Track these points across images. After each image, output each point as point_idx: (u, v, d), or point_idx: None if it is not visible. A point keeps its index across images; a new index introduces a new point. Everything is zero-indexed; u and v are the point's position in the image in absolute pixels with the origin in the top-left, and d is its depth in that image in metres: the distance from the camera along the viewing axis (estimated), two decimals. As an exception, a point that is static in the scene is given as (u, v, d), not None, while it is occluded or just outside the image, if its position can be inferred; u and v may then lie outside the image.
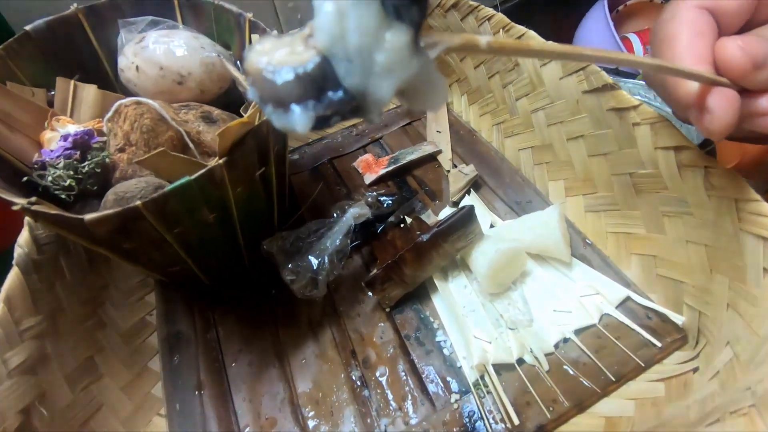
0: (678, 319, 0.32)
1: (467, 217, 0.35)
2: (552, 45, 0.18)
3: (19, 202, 0.24)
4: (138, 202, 0.24)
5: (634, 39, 0.71)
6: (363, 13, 0.12)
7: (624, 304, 0.35)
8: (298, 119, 0.13)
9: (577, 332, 0.34)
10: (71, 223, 0.24)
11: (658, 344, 0.32)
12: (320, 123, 0.13)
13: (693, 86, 0.21)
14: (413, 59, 0.13)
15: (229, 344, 0.38)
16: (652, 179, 0.33)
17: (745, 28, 0.24)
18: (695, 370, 0.29)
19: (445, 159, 0.49)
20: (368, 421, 0.32)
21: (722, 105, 0.21)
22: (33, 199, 0.24)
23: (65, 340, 0.31)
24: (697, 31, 0.22)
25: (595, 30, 0.71)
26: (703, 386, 0.26)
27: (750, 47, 0.21)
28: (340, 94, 0.13)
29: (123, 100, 0.31)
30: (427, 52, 0.14)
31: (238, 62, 0.40)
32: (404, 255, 0.36)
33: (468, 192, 0.46)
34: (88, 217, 0.23)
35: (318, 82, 0.13)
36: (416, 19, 0.13)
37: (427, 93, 0.15)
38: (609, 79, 0.33)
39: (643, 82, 0.58)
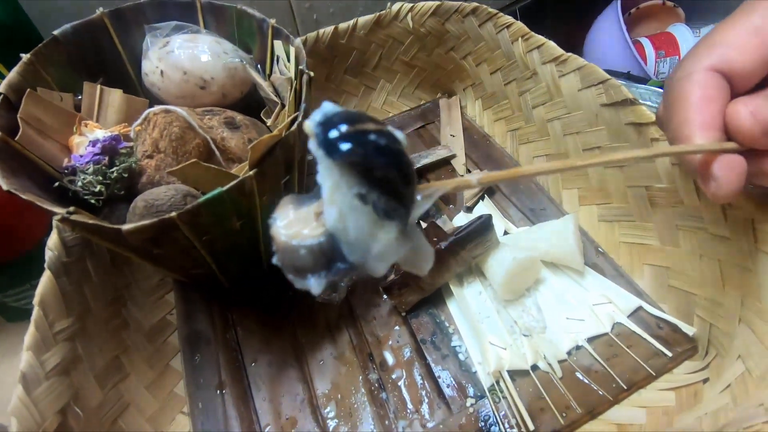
0: (689, 329, 0.33)
1: (485, 226, 0.36)
2: (539, 166, 0.19)
3: (59, 211, 0.24)
4: (173, 214, 0.25)
5: (646, 43, 0.71)
6: (359, 217, 0.15)
7: (636, 314, 0.36)
8: (313, 285, 0.16)
9: (590, 340, 0.35)
10: (108, 232, 0.25)
11: (669, 354, 0.33)
12: (332, 286, 0.16)
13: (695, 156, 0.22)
14: (402, 246, 0.16)
15: (248, 344, 0.39)
16: (669, 193, 0.34)
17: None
18: (705, 380, 0.30)
19: (459, 164, 0.50)
20: (386, 423, 0.33)
21: (727, 174, 0.21)
22: (71, 209, 0.24)
23: (94, 340, 0.32)
24: (707, 95, 0.23)
25: (607, 33, 0.71)
26: (714, 398, 0.27)
27: (761, 113, 0.21)
28: (345, 265, 0.16)
29: (152, 108, 0.32)
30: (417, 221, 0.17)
31: (259, 66, 0.41)
32: (422, 262, 0.36)
33: (482, 198, 0.46)
34: (126, 227, 0.24)
35: (327, 255, 0.16)
36: (403, 217, 0.16)
37: (415, 261, 0.17)
38: (629, 94, 0.34)
39: (654, 89, 0.58)
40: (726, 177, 0.21)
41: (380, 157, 0.14)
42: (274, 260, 0.17)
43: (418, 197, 0.16)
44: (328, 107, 0.16)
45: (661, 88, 0.58)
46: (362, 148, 0.14)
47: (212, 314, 0.41)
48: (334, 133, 0.14)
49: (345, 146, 0.14)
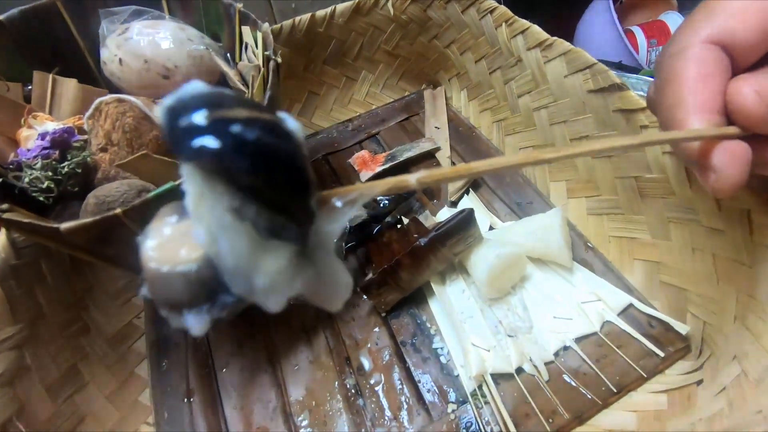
0: (682, 328, 0.31)
1: (466, 220, 0.34)
2: (486, 162, 0.14)
3: (-11, 209, 0.22)
4: (118, 210, 0.22)
5: (638, 32, 0.70)
6: (235, 239, 0.11)
7: (626, 312, 0.34)
8: (192, 324, 0.12)
9: (578, 340, 0.33)
10: (47, 232, 0.23)
11: (661, 354, 0.31)
12: (215, 323, 0.12)
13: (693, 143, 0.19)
14: (301, 273, 0.12)
15: (219, 349, 0.36)
16: (659, 184, 0.32)
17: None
18: (699, 382, 0.28)
19: (444, 157, 0.48)
20: (362, 431, 0.31)
21: (729, 164, 0.18)
22: (4, 206, 0.22)
23: (46, 348, 0.30)
24: (705, 72, 0.20)
25: (598, 22, 0.69)
26: (709, 402, 0.25)
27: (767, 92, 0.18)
28: (232, 298, 0.12)
29: (103, 98, 0.29)
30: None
31: (228, 54, 0.38)
32: (401, 259, 0.34)
33: (467, 192, 0.44)
34: (64, 226, 0.22)
35: (208, 285, 0.12)
36: (297, 237, 0.11)
37: (324, 293, 0.13)
38: (617, 78, 0.32)
39: (646, 78, 0.56)
40: (728, 168, 0.18)
41: (242, 157, 0.10)
42: (143, 291, 0.13)
43: (337, 203, 0.13)
44: (191, 87, 0.12)
45: (653, 77, 0.56)
46: (219, 143, 0.10)
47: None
48: (184, 123, 0.11)
49: (195, 142, 0.10)
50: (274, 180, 0.11)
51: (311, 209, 0.12)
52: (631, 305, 0.34)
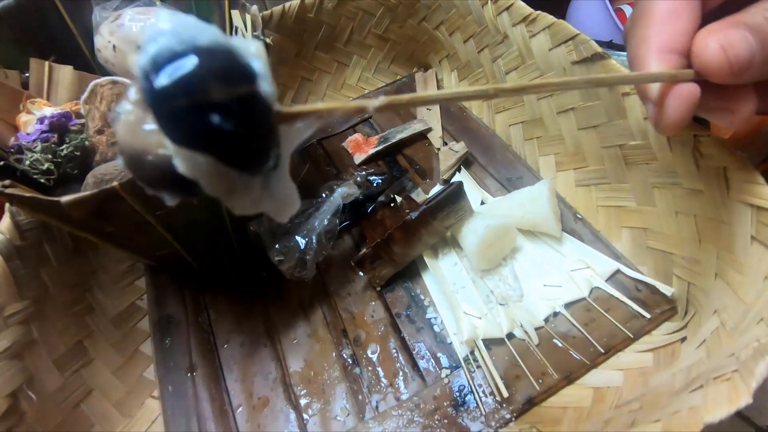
0: (667, 290, 0.32)
1: (456, 193, 0.35)
2: (442, 92, 0.16)
3: (-8, 185, 0.23)
4: (114, 183, 0.23)
5: (629, 10, 0.70)
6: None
7: (614, 277, 0.35)
8: (168, 199, 0.13)
9: (567, 306, 0.34)
10: (48, 206, 0.24)
11: (648, 316, 0.32)
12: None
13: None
14: (267, 197, 0.12)
15: (220, 326, 0.38)
16: (642, 150, 0.33)
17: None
18: (683, 339, 0.29)
19: (435, 137, 0.49)
20: (359, 397, 0.32)
21: (675, 102, 0.19)
22: (7, 182, 0.23)
23: (53, 324, 0.31)
24: (673, 10, 0.20)
25: (588, 3, 0.69)
26: (689, 354, 0.26)
27: (733, 48, 0.18)
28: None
29: (98, 80, 0.30)
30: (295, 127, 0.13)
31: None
32: (393, 233, 0.35)
33: (459, 170, 0.45)
34: (65, 199, 0.23)
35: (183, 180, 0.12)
36: (264, 162, 0.12)
37: (276, 206, 0.13)
38: (598, 48, 0.32)
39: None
40: (673, 105, 0.19)
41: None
42: (118, 161, 0.14)
43: (299, 125, 0.13)
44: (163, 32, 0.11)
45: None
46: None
47: (184, 297, 0.40)
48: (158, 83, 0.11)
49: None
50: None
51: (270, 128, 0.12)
52: (618, 271, 0.35)
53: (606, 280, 0.34)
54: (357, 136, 0.50)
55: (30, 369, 0.27)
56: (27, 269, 0.31)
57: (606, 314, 0.33)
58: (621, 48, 0.60)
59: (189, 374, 0.35)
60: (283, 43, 0.49)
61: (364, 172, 0.44)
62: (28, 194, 0.23)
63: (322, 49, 0.52)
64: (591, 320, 0.33)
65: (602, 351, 0.31)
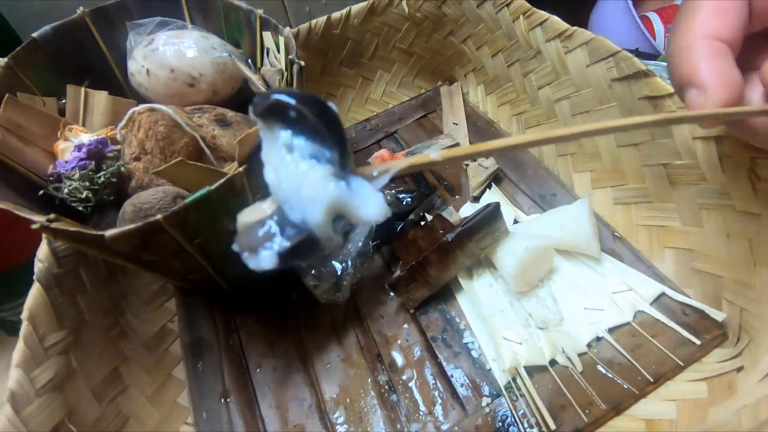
0: (718, 315, 0.31)
1: (493, 215, 0.34)
2: (503, 141, 0.16)
3: (38, 220, 0.23)
4: (159, 216, 0.23)
5: (654, 17, 0.68)
6: (288, 166, 0.16)
7: (659, 301, 0.33)
8: (264, 258, 0.16)
9: (611, 331, 0.33)
10: (91, 239, 0.23)
11: (697, 342, 0.31)
12: (284, 259, 0.16)
13: (695, 62, 0.19)
14: (335, 189, 0.16)
15: (252, 349, 0.37)
16: (690, 170, 0.31)
17: None
18: (739, 369, 0.28)
19: (464, 152, 0.48)
20: (398, 426, 0.31)
21: (717, 81, 0.18)
22: (51, 216, 0.23)
23: (90, 352, 0.31)
24: (720, 7, 0.20)
25: (613, 9, 0.68)
26: (751, 389, 0.25)
27: None
28: (291, 229, 0.16)
29: (136, 108, 0.30)
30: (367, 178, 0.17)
31: (249, 60, 0.39)
32: (428, 256, 0.34)
33: (489, 186, 0.44)
34: (109, 233, 0.23)
35: (278, 225, 0.16)
36: (334, 161, 0.16)
37: (360, 209, 0.17)
38: (642, 65, 0.31)
39: (665, 64, 0.55)
40: (715, 85, 0.18)
41: (304, 104, 0.15)
42: (234, 247, 0.17)
43: (374, 173, 0.17)
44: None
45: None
46: (293, 100, 0.15)
47: (214, 320, 0.39)
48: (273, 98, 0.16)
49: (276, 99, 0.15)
50: (322, 114, 0.16)
51: (344, 137, 0.16)
52: (663, 294, 0.33)
53: (651, 304, 0.33)
54: (383, 152, 0.49)
55: (70, 401, 0.27)
56: (64, 297, 0.31)
57: (653, 340, 0.32)
58: (648, 56, 0.59)
59: (223, 400, 0.34)
60: (309, 59, 0.49)
61: (393, 191, 0.44)
62: (72, 228, 0.23)
63: (346, 65, 0.52)
64: (637, 346, 0.32)
65: (651, 379, 0.30)
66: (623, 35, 0.65)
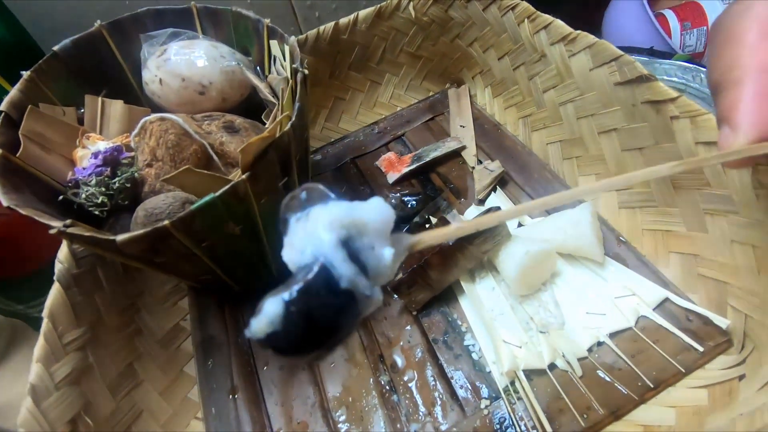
0: (722, 322, 0.31)
1: (494, 219, 0.34)
2: (509, 210, 0.17)
3: (55, 225, 0.24)
4: (166, 222, 0.24)
5: (670, 15, 0.67)
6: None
7: (662, 306, 0.33)
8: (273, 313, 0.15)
9: (612, 336, 0.33)
10: (105, 243, 0.25)
11: (700, 348, 0.30)
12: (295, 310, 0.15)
13: (738, 98, 0.18)
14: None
15: (259, 348, 0.38)
16: (693, 175, 0.31)
17: None
18: (741, 377, 0.28)
19: (470, 155, 0.48)
20: (398, 426, 0.32)
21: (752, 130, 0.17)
22: (68, 221, 0.24)
23: (106, 348, 0.33)
24: (765, 32, 0.18)
25: (627, 8, 0.67)
26: (751, 397, 0.25)
27: None
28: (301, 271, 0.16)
29: (148, 117, 0.32)
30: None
31: (258, 68, 0.40)
32: (430, 259, 0.35)
33: (494, 189, 0.44)
34: (120, 238, 0.24)
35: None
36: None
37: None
38: (644, 70, 0.31)
39: (680, 63, 0.54)
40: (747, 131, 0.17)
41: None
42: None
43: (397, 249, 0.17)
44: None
45: (688, 62, 0.54)
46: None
47: (225, 318, 0.41)
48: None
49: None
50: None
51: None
52: (667, 299, 0.33)
53: (654, 309, 0.33)
54: (390, 155, 0.50)
55: (87, 394, 0.29)
56: (83, 296, 0.32)
57: (654, 346, 0.31)
58: (663, 55, 0.58)
59: (231, 396, 0.36)
60: (317, 64, 0.50)
61: (398, 194, 0.44)
62: (87, 233, 0.24)
63: (355, 69, 0.53)
64: (638, 352, 0.32)
65: (651, 385, 0.30)
66: (638, 33, 0.64)
